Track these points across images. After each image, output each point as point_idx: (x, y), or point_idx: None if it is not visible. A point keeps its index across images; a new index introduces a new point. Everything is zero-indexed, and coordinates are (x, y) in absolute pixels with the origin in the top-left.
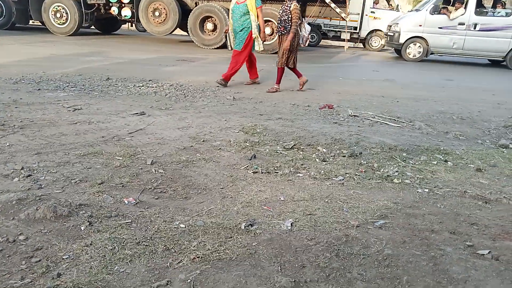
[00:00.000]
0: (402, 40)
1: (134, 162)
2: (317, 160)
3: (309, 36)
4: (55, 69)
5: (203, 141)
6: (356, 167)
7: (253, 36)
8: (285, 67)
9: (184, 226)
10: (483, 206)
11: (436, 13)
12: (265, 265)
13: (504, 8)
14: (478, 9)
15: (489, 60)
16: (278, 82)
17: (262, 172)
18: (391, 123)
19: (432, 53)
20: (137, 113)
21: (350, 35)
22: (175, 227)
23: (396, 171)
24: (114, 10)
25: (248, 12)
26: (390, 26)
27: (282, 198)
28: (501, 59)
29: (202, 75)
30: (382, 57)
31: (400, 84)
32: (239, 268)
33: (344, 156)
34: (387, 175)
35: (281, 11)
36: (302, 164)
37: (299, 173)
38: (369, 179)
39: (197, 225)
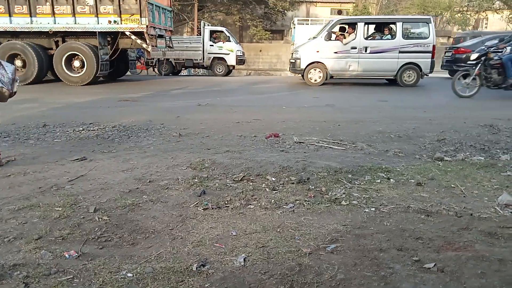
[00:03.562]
0: (303, 66)
1: (75, 212)
2: (267, 189)
3: (15, 77)
4: None
5: (149, 181)
6: (305, 192)
7: None
8: None
9: (131, 275)
10: (426, 219)
11: (331, 39)
12: None
13: (390, 33)
14: (366, 34)
15: (386, 79)
16: None
17: (212, 208)
18: (335, 146)
19: (331, 77)
20: (77, 159)
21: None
22: (121, 277)
23: (344, 193)
24: None
25: None
26: (292, 53)
27: (234, 232)
28: (392, 77)
29: (145, 114)
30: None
31: (339, 108)
32: None
33: (293, 183)
34: (335, 198)
35: None
36: (252, 195)
37: (250, 204)
38: (318, 203)
39: (145, 272)
